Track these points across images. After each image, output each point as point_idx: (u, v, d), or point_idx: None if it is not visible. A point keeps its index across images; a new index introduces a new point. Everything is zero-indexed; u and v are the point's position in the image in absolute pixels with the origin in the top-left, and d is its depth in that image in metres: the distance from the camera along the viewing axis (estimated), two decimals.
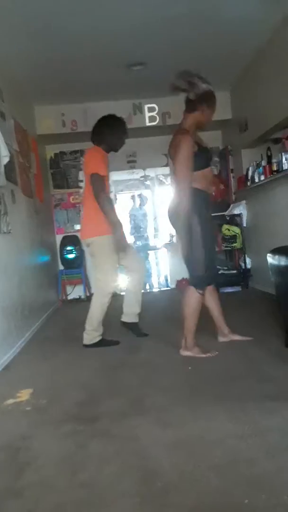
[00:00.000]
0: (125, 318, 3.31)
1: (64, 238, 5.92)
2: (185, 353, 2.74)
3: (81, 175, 3.23)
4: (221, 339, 2.95)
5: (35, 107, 5.25)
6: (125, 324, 3.32)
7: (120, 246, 3.10)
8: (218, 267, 5.38)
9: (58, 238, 6.00)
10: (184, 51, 4.16)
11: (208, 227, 2.73)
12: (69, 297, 5.89)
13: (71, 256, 5.79)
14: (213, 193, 2.86)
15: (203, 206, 2.68)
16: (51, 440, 1.81)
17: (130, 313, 3.29)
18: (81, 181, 3.22)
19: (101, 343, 3.15)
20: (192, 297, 2.69)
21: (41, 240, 4.88)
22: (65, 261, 5.84)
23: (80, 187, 3.24)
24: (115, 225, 3.07)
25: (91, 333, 3.15)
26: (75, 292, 5.91)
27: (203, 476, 1.44)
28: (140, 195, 6.75)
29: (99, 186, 3.04)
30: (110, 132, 3.21)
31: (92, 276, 3.33)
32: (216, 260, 3.01)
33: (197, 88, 2.66)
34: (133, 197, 6.81)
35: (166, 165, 6.21)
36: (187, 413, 1.93)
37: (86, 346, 3.15)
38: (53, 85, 4.68)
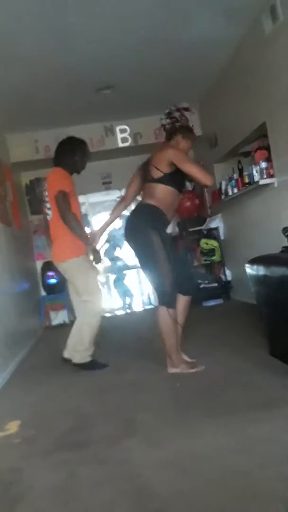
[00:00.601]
0: (66, 354, 3.25)
1: (45, 263, 5.88)
2: (172, 370, 2.73)
3: (45, 197, 3.19)
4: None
5: (7, 135, 5.27)
6: (66, 360, 3.24)
7: (97, 257, 3.10)
8: (199, 281, 5.44)
9: (39, 263, 5.97)
10: (151, 73, 4.29)
11: (168, 243, 2.75)
12: (54, 323, 5.83)
13: (52, 281, 5.75)
14: (171, 220, 2.87)
15: (161, 224, 2.71)
16: (42, 471, 1.77)
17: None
18: (46, 202, 3.18)
19: (91, 365, 3.11)
20: (165, 315, 2.67)
21: (21, 267, 4.85)
22: (47, 287, 5.80)
23: (45, 213, 3.19)
24: (85, 241, 3.06)
25: (82, 353, 3.11)
26: (59, 317, 5.85)
27: (199, 493, 1.43)
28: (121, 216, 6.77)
29: (63, 204, 3.02)
30: (70, 154, 3.19)
31: (75, 299, 3.26)
32: (189, 273, 3.00)
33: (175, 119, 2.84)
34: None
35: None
36: (177, 430, 1.91)
37: (76, 365, 3.11)
38: (23, 113, 4.73)
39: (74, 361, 3.13)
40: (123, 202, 2.99)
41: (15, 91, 4.15)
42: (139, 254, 2.78)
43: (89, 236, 3.12)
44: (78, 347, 3.13)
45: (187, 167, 2.58)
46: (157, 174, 2.68)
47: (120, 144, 5.54)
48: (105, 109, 5.02)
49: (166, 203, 2.72)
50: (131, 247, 2.85)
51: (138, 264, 2.93)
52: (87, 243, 3.07)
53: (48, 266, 5.81)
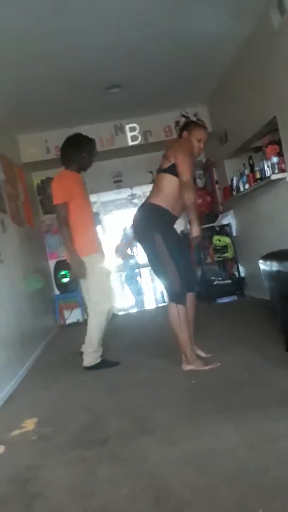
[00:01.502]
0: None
1: (57, 263, 5.92)
2: (187, 367, 2.73)
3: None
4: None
5: (18, 136, 5.31)
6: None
7: (78, 272, 3.09)
8: (212, 278, 5.42)
9: (52, 263, 6.01)
10: (159, 70, 4.27)
11: (175, 241, 2.75)
12: (68, 322, 5.87)
13: (66, 280, 5.78)
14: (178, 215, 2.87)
15: (165, 223, 2.72)
16: (59, 468, 1.79)
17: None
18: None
19: (102, 365, 3.13)
20: (174, 312, 2.69)
21: (34, 267, 4.89)
22: (60, 286, 5.84)
23: None
24: (71, 252, 3.07)
25: (92, 355, 3.13)
26: (73, 316, 5.89)
27: (216, 490, 1.42)
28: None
29: (58, 215, 3.11)
30: (77, 151, 3.19)
31: (85, 297, 3.27)
32: (194, 271, 3.00)
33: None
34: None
35: (152, 182, 6.29)
36: (193, 428, 1.91)
37: (87, 368, 3.13)
38: (34, 113, 4.75)
39: (85, 364, 3.14)
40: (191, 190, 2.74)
41: (24, 91, 4.17)
42: (147, 254, 2.83)
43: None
44: (88, 349, 3.14)
45: (180, 160, 2.63)
46: (166, 164, 2.72)
47: (130, 143, 5.54)
48: (115, 108, 5.02)
49: (172, 197, 2.72)
50: (143, 249, 2.91)
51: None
52: (73, 254, 3.06)
53: (61, 265, 5.86)
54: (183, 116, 2.99)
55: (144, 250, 2.85)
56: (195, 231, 2.71)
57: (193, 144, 2.82)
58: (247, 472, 1.50)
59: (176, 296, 2.70)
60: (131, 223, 2.90)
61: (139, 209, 2.86)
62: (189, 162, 2.69)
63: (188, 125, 2.90)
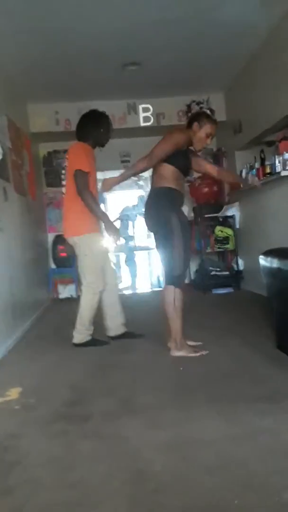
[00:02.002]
0: (112, 333, 3.26)
1: (56, 237, 5.88)
2: (176, 353, 2.73)
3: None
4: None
5: (29, 104, 5.21)
6: (114, 338, 3.26)
7: (115, 236, 3.07)
8: (210, 268, 5.41)
9: (50, 236, 5.97)
10: (180, 52, 4.17)
11: (185, 226, 2.76)
12: (61, 296, 5.86)
13: (63, 255, 5.76)
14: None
15: (178, 205, 2.75)
16: (41, 440, 1.79)
17: (116, 326, 3.25)
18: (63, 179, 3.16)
19: (91, 343, 3.13)
20: (171, 295, 2.69)
21: (33, 238, 4.85)
22: (57, 260, 5.81)
23: (63, 185, 3.16)
24: (104, 219, 3.06)
25: (83, 332, 3.13)
26: (67, 291, 5.88)
27: (194, 477, 1.43)
28: (141, 197, 6.70)
29: (82, 182, 3.01)
30: (94, 127, 3.16)
31: (81, 275, 3.24)
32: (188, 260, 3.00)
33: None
34: (140, 197, 6.74)
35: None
36: (178, 414, 1.92)
37: (76, 345, 3.13)
38: (47, 83, 4.65)
39: (74, 341, 3.14)
40: (146, 162, 2.74)
41: (39, 61, 4.08)
42: (157, 233, 2.80)
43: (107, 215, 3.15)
44: (78, 326, 3.14)
45: (158, 144, 2.71)
46: None
47: (142, 123, 5.45)
48: (130, 86, 4.92)
49: (175, 182, 2.74)
50: (149, 228, 2.89)
51: (149, 245, 2.94)
52: (106, 221, 3.05)
53: (59, 239, 5.82)
54: (197, 103, 2.92)
55: (154, 230, 2.82)
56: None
57: (200, 137, 2.78)
58: (228, 463, 1.50)
59: (176, 279, 2.69)
60: (133, 202, 2.88)
61: (150, 196, 2.85)
62: (164, 147, 2.70)
63: (200, 117, 2.82)
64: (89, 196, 3.00)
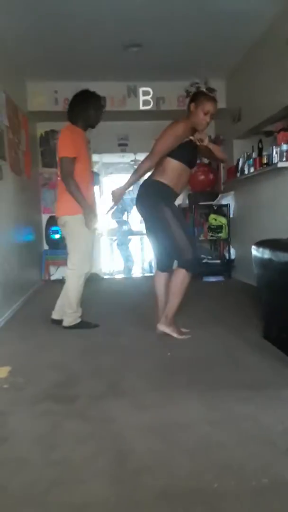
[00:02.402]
0: (56, 315, 3.28)
1: (50, 218, 5.86)
2: (162, 327, 2.80)
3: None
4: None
5: (27, 83, 5.12)
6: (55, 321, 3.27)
7: (90, 221, 3.08)
8: (202, 255, 5.44)
9: (45, 217, 5.94)
10: (182, 36, 4.11)
11: (177, 212, 2.80)
12: (52, 278, 5.87)
13: (56, 236, 5.75)
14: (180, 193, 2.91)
15: (170, 198, 2.75)
16: (27, 418, 1.83)
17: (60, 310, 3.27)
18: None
19: (81, 325, 3.16)
20: (182, 277, 2.73)
21: (26, 218, 4.83)
22: (50, 241, 5.81)
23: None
24: (83, 204, 3.04)
25: (72, 315, 3.15)
26: (59, 272, 5.89)
27: (175, 460, 1.47)
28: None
29: (66, 169, 3.02)
30: (83, 108, 3.11)
31: (68, 257, 3.23)
32: (194, 241, 3.08)
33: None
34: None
35: None
36: (163, 397, 1.96)
37: (66, 327, 3.16)
38: (47, 62, 4.57)
39: (64, 324, 3.17)
40: (149, 161, 2.76)
41: (39, 39, 4.00)
42: (154, 228, 2.83)
43: (91, 200, 3.14)
44: (67, 310, 3.16)
45: (159, 139, 2.69)
46: None
47: (142, 107, 5.38)
48: (131, 68, 4.84)
49: (174, 179, 2.75)
50: (141, 215, 2.92)
51: (142, 230, 2.95)
52: (85, 207, 3.05)
53: (53, 221, 5.80)
54: (193, 84, 2.83)
55: (150, 223, 2.85)
56: None
57: (199, 117, 2.72)
58: (208, 446, 1.54)
59: (189, 264, 2.73)
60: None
61: (143, 185, 2.85)
62: (163, 142, 2.69)
63: (197, 96, 2.77)
64: (71, 183, 3.01)
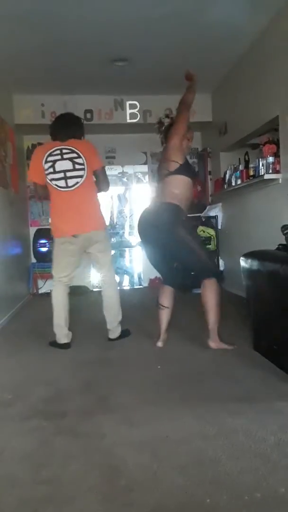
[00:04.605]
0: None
1: (38, 230, 5.83)
2: (217, 344, 2.81)
3: (63, 166, 3.00)
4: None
5: (14, 95, 5.13)
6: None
7: None
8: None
9: (32, 230, 5.91)
10: (168, 51, 4.17)
11: (191, 230, 2.95)
12: (40, 291, 5.81)
13: (44, 249, 5.71)
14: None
15: (183, 219, 2.81)
16: (16, 435, 1.79)
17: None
18: (61, 171, 3.01)
19: (125, 333, 3.19)
20: (216, 286, 2.79)
21: (14, 232, 4.79)
22: (38, 254, 5.76)
23: (60, 178, 3.03)
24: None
25: (119, 325, 3.16)
26: (47, 286, 5.83)
27: (167, 476, 1.45)
28: (120, 195, 6.69)
29: (107, 178, 3.15)
30: (81, 131, 3.17)
31: (100, 269, 3.23)
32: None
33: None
34: (118, 196, 6.71)
35: (145, 163, 6.22)
36: (153, 412, 1.93)
37: (112, 339, 3.15)
38: (33, 74, 4.59)
39: (113, 336, 3.14)
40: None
41: (27, 52, 4.02)
42: (173, 251, 2.83)
43: None
44: (120, 317, 3.15)
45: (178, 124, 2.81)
46: (172, 166, 2.77)
47: (129, 120, 5.43)
48: (118, 82, 4.89)
49: (185, 197, 2.81)
50: (152, 242, 2.87)
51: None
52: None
53: (41, 233, 5.77)
54: (167, 116, 3.01)
55: (165, 246, 2.82)
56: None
57: (185, 146, 2.88)
58: (200, 462, 1.52)
59: (216, 273, 2.88)
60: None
61: (153, 210, 2.82)
62: (184, 121, 2.82)
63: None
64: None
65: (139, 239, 3.02)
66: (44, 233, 5.76)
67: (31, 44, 3.90)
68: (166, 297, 2.96)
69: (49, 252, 5.67)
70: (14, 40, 3.78)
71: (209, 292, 2.77)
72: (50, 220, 3.18)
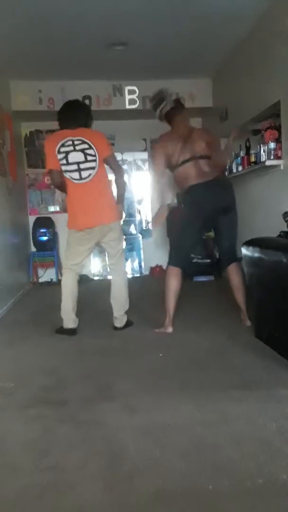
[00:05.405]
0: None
1: (37, 219, 5.80)
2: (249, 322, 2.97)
3: (75, 158, 2.98)
4: (171, 329, 3.00)
5: (11, 81, 5.05)
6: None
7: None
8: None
9: (31, 219, 5.88)
10: (169, 35, 4.09)
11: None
12: (40, 280, 5.81)
13: (44, 238, 5.69)
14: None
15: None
16: (18, 424, 1.79)
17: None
18: (74, 163, 2.98)
19: (129, 323, 3.20)
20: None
21: (13, 220, 4.76)
22: (37, 243, 5.74)
23: (74, 170, 2.98)
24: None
25: (125, 314, 3.18)
26: (47, 275, 5.83)
27: (168, 462, 1.45)
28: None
29: (118, 164, 3.16)
30: (90, 118, 3.15)
31: (116, 258, 3.22)
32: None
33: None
34: None
35: (145, 150, 6.16)
36: (154, 400, 1.94)
37: (118, 328, 3.15)
38: (30, 60, 4.51)
39: (119, 325, 3.14)
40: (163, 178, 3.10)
41: (23, 37, 3.93)
42: (234, 222, 3.09)
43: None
44: (127, 306, 3.16)
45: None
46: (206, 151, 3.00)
47: (128, 106, 5.35)
48: (116, 67, 4.81)
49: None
50: (221, 206, 2.99)
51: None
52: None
53: (41, 222, 5.74)
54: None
55: (230, 218, 3.05)
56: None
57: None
58: (201, 448, 1.53)
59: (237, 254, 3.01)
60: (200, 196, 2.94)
61: (223, 181, 3.13)
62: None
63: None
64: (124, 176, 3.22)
65: (183, 215, 3.03)
66: (44, 221, 5.73)
67: (28, 30, 3.82)
68: (178, 280, 2.98)
69: (49, 241, 5.68)
70: (11, 26, 3.70)
71: (240, 275, 2.96)
72: (67, 211, 3.17)
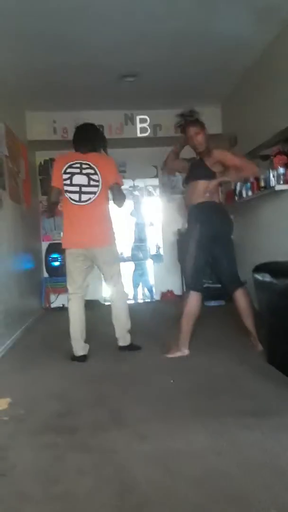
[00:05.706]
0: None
1: (50, 245, 5.88)
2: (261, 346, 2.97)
3: (79, 180, 3.07)
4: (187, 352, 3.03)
5: (27, 112, 5.24)
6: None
7: None
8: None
9: (44, 245, 5.96)
10: (179, 65, 4.22)
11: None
12: (53, 305, 5.84)
13: (56, 263, 5.75)
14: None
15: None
16: (29, 451, 1.78)
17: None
18: (77, 185, 3.06)
19: (136, 347, 3.22)
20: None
21: (26, 246, 4.84)
22: (50, 269, 5.80)
23: (75, 192, 3.07)
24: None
25: (128, 333, 3.21)
26: (59, 300, 5.86)
27: (179, 491, 1.42)
28: (133, 211, 6.65)
29: (122, 194, 3.20)
30: (103, 141, 3.26)
31: (111, 280, 3.26)
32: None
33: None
34: (132, 212, 6.69)
35: (156, 176, 6.26)
36: (165, 426, 1.91)
37: (130, 346, 3.19)
38: (45, 92, 4.68)
39: (124, 344, 3.19)
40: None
41: (40, 68, 4.10)
42: (229, 247, 3.25)
43: None
44: (128, 326, 3.20)
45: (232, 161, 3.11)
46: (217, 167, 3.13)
47: (139, 134, 5.49)
48: (128, 97, 4.96)
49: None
50: (218, 233, 3.10)
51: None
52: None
53: (53, 248, 5.81)
54: (179, 116, 3.29)
55: (227, 244, 3.21)
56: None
57: (189, 141, 3.18)
58: (213, 477, 1.50)
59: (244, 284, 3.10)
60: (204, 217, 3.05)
61: (221, 209, 3.20)
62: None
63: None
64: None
65: (198, 236, 3.06)
66: (56, 247, 5.80)
67: (43, 62, 3.99)
68: (199, 306, 3.03)
69: (61, 267, 5.72)
70: (27, 58, 3.87)
71: (248, 300, 3.01)
72: (62, 233, 3.24)
